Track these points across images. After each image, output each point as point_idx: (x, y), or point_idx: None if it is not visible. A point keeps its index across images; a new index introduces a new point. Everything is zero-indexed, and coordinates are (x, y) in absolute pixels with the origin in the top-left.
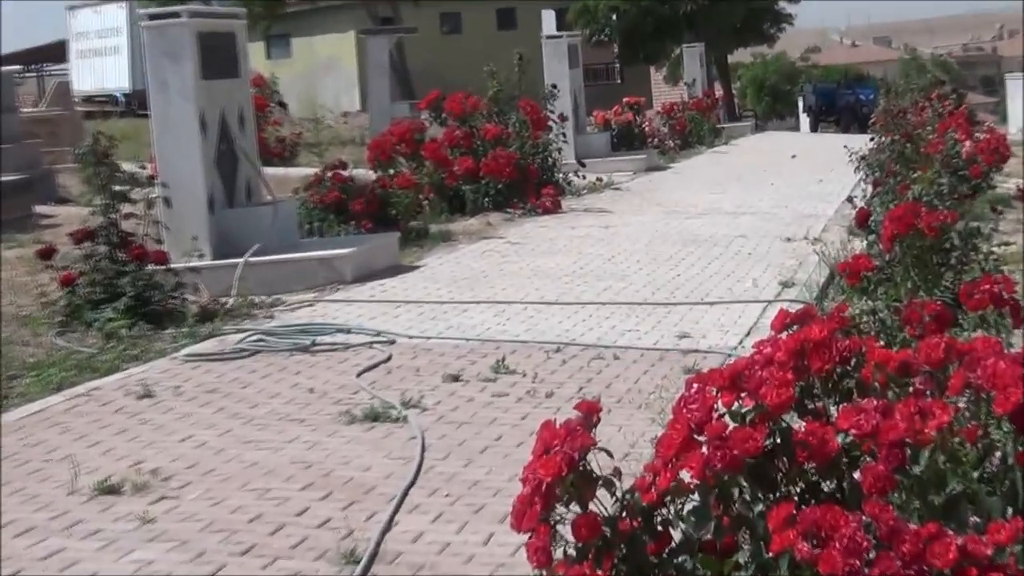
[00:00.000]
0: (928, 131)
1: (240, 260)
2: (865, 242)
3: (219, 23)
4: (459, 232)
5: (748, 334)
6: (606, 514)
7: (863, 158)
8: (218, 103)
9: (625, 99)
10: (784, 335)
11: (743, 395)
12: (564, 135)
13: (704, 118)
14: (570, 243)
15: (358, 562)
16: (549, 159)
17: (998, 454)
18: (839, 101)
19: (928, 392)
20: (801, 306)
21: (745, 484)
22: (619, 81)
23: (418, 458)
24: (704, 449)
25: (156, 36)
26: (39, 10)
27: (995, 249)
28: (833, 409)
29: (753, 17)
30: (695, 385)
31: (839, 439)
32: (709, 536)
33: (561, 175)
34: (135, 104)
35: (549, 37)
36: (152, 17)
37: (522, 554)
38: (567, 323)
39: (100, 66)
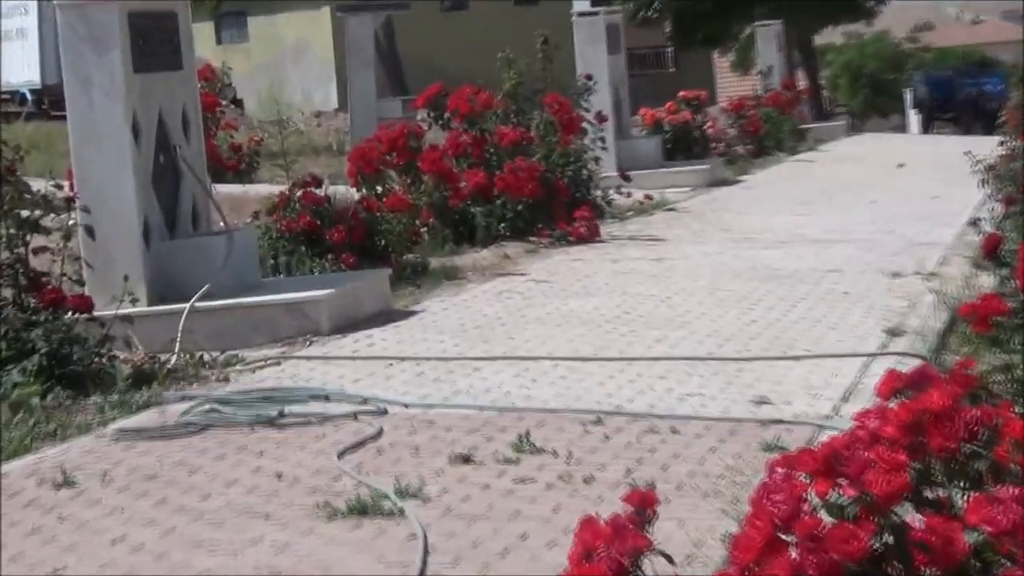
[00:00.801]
0: None
1: (184, 306)
2: (995, 278)
3: (156, 1)
4: (468, 267)
5: (846, 399)
6: None
7: (990, 168)
8: (155, 103)
9: (681, 93)
10: (894, 403)
11: (842, 482)
12: (603, 140)
13: (784, 117)
14: (612, 281)
15: None
16: (583, 172)
17: None
18: (958, 94)
19: None
20: (914, 362)
21: None
22: (673, 70)
23: (419, 564)
24: (793, 552)
25: (74, 17)
26: None
27: None
28: (959, 499)
29: None
30: (779, 469)
31: (968, 538)
32: None
33: (599, 192)
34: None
35: (582, 14)
36: None
37: None
38: (609, 385)
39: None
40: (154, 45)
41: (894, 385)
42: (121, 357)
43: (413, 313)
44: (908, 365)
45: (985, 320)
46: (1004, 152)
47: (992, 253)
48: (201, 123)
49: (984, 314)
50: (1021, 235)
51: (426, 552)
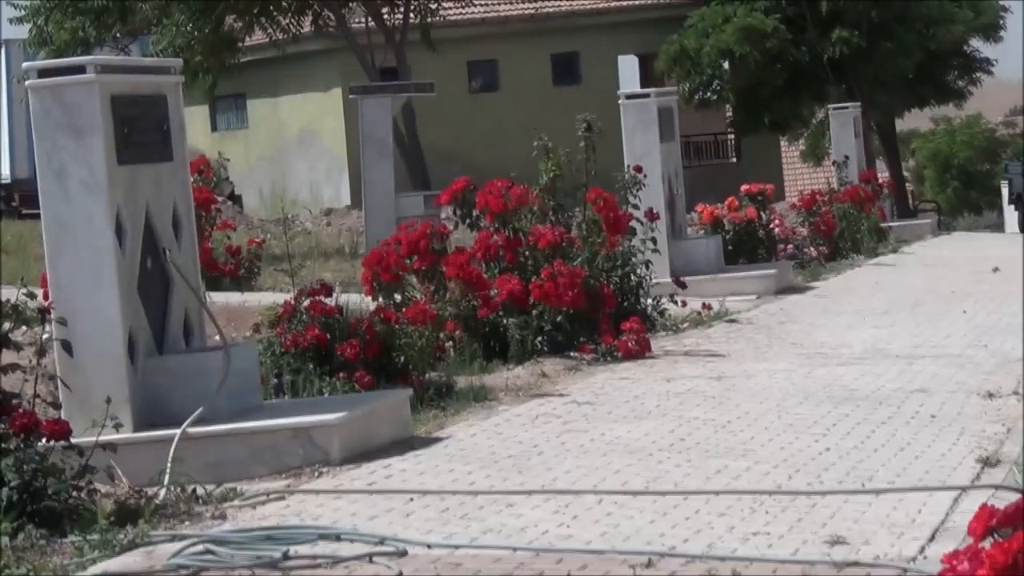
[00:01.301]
0: None
1: (175, 432)
2: None
3: (143, 81)
4: (500, 387)
5: (933, 539)
6: None
7: None
8: (141, 199)
9: (744, 187)
10: (988, 543)
11: None
12: (654, 241)
13: (862, 214)
14: (665, 403)
15: None
16: (632, 277)
17: None
18: None
19: None
20: (1012, 496)
21: None
22: (735, 160)
23: None
24: None
25: (49, 100)
26: None
27: None
28: None
29: (933, 64)
30: None
31: None
32: None
33: (651, 301)
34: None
35: (630, 96)
36: (43, 73)
37: None
38: (662, 523)
39: None
40: (141, 133)
41: (988, 522)
42: (102, 491)
43: (437, 440)
44: (1004, 500)
45: None
46: None
47: None
48: (194, 222)
49: None
50: None
51: None
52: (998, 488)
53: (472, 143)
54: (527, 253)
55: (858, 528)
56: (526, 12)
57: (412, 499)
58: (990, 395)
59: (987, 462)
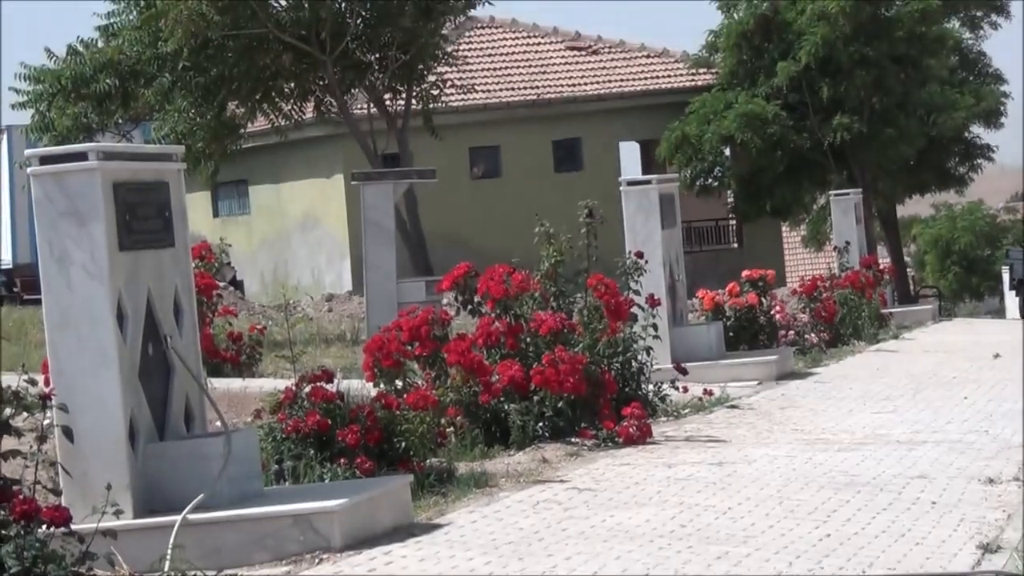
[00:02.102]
0: None
1: (176, 519)
2: None
3: (144, 168)
4: (500, 474)
5: None
6: None
7: None
8: (143, 285)
9: (745, 273)
10: None
11: None
12: (655, 327)
13: (863, 300)
14: (666, 489)
15: None
16: (633, 363)
17: None
18: None
19: None
20: None
21: None
22: (736, 245)
23: None
24: None
25: (51, 187)
26: None
27: None
28: None
29: (934, 151)
30: None
31: None
32: None
33: (652, 387)
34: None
35: (632, 183)
36: (45, 160)
37: None
38: None
39: None
40: (142, 219)
41: None
42: None
43: (438, 527)
44: None
45: None
46: None
47: None
48: (195, 309)
49: None
50: None
51: None
52: (998, 574)
53: (474, 229)
54: (528, 339)
55: None
56: (528, 98)
57: None
58: (991, 481)
59: (987, 548)
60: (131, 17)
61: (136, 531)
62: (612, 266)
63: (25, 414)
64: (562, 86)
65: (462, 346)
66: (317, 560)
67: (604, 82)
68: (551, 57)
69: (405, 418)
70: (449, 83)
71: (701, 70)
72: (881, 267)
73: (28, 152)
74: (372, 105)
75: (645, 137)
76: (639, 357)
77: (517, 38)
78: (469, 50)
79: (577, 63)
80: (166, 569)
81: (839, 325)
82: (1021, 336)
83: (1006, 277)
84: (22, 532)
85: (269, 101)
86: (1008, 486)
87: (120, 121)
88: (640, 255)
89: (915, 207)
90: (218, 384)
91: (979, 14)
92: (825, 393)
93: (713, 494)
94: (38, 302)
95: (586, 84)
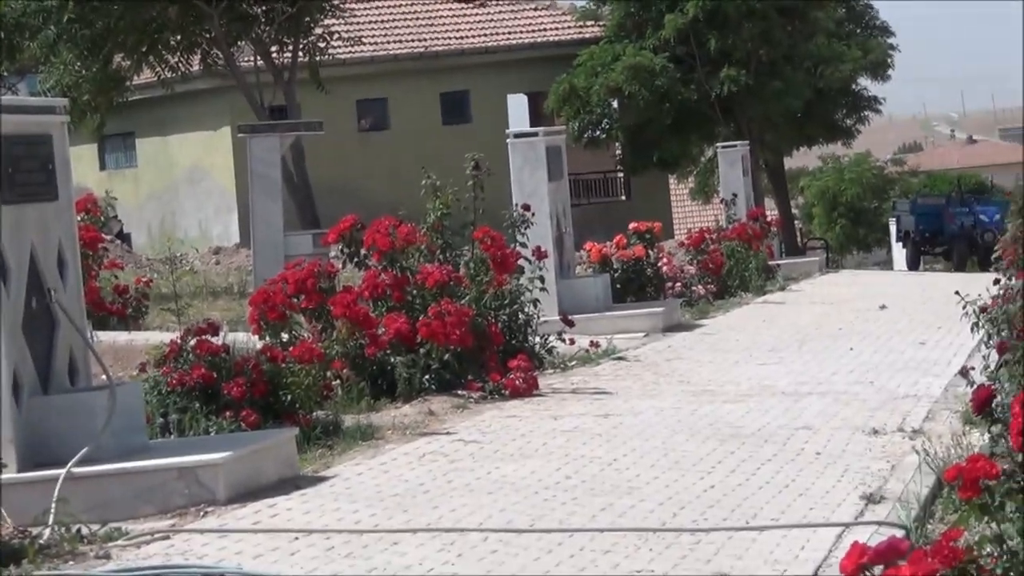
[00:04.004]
0: None
1: (60, 472)
2: (987, 436)
3: (26, 121)
4: (387, 426)
5: (816, 575)
6: None
7: (984, 310)
8: (26, 239)
9: (632, 225)
10: None
11: None
12: (542, 280)
13: (750, 252)
14: (552, 441)
15: None
16: (520, 316)
17: None
18: (950, 224)
19: None
20: (894, 533)
21: None
22: (624, 198)
23: None
24: None
25: None
26: None
27: None
28: None
29: (822, 103)
30: None
31: None
32: None
33: (539, 339)
34: None
35: (519, 135)
36: None
37: None
38: (547, 560)
39: None
40: (25, 172)
41: (859, 560)
42: None
43: (323, 479)
44: (887, 536)
45: (974, 485)
46: (999, 292)
47: (984, 407)
48: (80, 262)
49: (972, 478)
50: (1016, 387)
51: None
52: (881, 524)
53: (362, 181)
54: (415, 292)
55: (742, 565)
56: (415, 51)
57: (297, 538)
58: (875, 432)
59: (871, 499)
60: None
61: (20, 485)
62: (499, 219)
63: None
64: (450, 39)
65: (348, 299)
66: (202, 513)
67: (492, 35)
68: (439, 10)
69: (291, 371)
70: (336, 36)
71: (589, 22)
72: (768, 219)
73: None
74: (259, 58)
75: (533, 89)
76: (526, 309)
77: None
78: (356, 2)
79: (465, 15)
80: (50, 523)
81: (726, 277)
82: (908, 288)
83: (893, 229)
84: None
85: (155, 53)
86: (892, 437)
87: (5, 74)
88: (527, 208)
89: (803, 159)
90: (104, 337)
91: None
92: (711, 345)
93: (599, 446)
94: None
95: (474, 37)
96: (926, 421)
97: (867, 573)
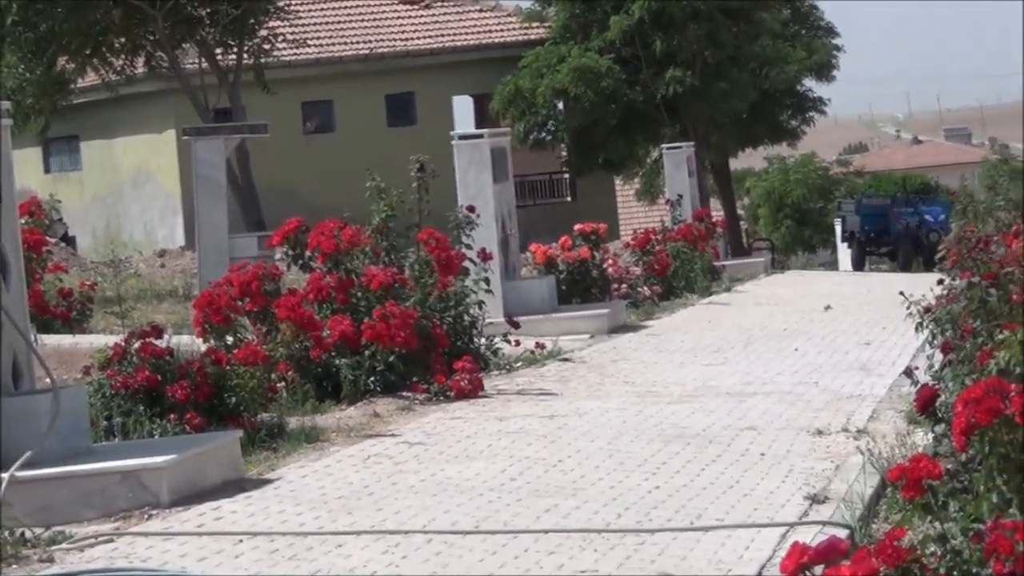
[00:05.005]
0: None
1: (3, 476)
2: (931, 436)
3: None
4: (332, 428)
5: (760, 575)
6: None
7: (928, 310)
8: None
9: (577, 227)
10: None
11: None
12: (487, 281)
13: (696, 253)
14: (497, 442)
15: None
16: (465, 317)
17: None
18: (895, 225)
19: None
20: (839, 533)
21: None
22: (569, 199)
23: None
24: None
25: None
26: None
27: None
28: None
29: (767, 104)
30: None
31: None
32: None
33: (484, 340)
34: None
35: (463, 137)
36: None
37: None
38: (491, 562)
39: None
40: None
41: (799, 560)
42: None
43: (268, 481)
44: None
45: (917, 484)
46: (943, 292)
47: (927, 407)
48: (23, 265)
49: (916, 478)
50: (960, 387)
51: None
52: (825, 524)
53: (308, 184)
54: (359, 294)
55: (686, 565)
56: (360, 53)
57: (241, 540)
58: (819, 432)
59: (815, 499)
60: None
61: None
62: (444, 220)
63: None
64: (395, 40)
65: (292, 301)
66: (146, 516)
67: (437, 36)
68: (384, 11)
69: (235, 373)
70: (281, 37)
71: (534, 24)
72: (714, 220)
73: None
74: (203, 60)
75: (478, 91)
76: (471, 311)
77: None
78: (301, 4)
79: (410, 17)
80: None
81: (672, 278)
82: (853, 288)
83: (838, 229)
84: None
85: (99, 56)
86: (836, 437)
87: None
88: (472, 209)
89: (748, 160)
90: (48, 340)
91: None
92: (657, 346)
93: (544, 447)
94: None
95: (419, 38)
96: (870, 421)
97: (807, 573)
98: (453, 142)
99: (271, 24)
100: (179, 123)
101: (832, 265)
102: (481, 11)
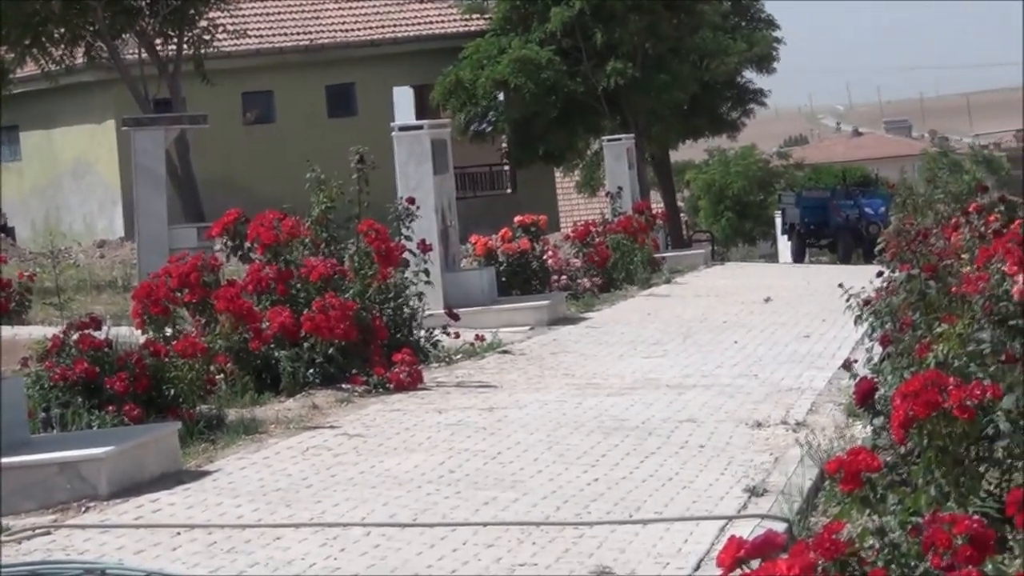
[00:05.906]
0: (963, 261)
1: None
2: (869, 428)
3: None
4: (270, 420)
5: (698, 568)
6: None
7: (867, 303)
8: None
9: (517, 218)
10: (737, 574)
11: None
12: (427, 273)
13: (636, 244)
14: (436, 435)
15: None
16: (405, 309)
17: None
18: (835, 217)
19: None
20: (777, 526)
21: None
22: (510, 191)
23: None
24: None
25: None
26: None
27: None
28: None
29: (707, 96)
30: None
31: None
32: None
33: (423, 332)
34: None
35: (403, 128)
36: None
37: None
38: (430, 555)
39: None
40: None
41: (735, 554)
42: None
43: (206, 473)
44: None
45: (855, 477)
46: (883, 284)
47: (866, 400)
48: None
49: (854, 471)
50: (899, 379)
51: None
52: (764, 518)
53: (248, 174)
54: (299, 285)
55: (624, 558)
56: (301, 44)
57: (179, 533)
58: (759, 424)
59: (754, 492)
60: None
61: None
62: (385, 212)
63: None
64: (335, 31)
65: (231, 292)
66: (84, 508)
67: (377, 27)
68: (324, 2)
69: (174, 365)
70: (221, 28)
71: (475, 15)
72: (654, 212)
73: None
74: (143, 50)
75: (419, 82)
76: (411, 303)
77: None
78: None
79: (351, 8)
80: None
81: (612, 270)
82: (792, 280)
83: (778, 221)
84: None
85: (39, 46)
86: (776, 430)
87: None
88: (412, 201)
89: (689, 152)
90: None
91: None
92: (596, 338)
93: (483, 439)
94: None
95: (359, 29)
96: (809, 414)
97: (744, 567)
98: (393, 133)
99: (211, 15)
100: (119, 114)
101: (772, 257)
102: (421, 2)
